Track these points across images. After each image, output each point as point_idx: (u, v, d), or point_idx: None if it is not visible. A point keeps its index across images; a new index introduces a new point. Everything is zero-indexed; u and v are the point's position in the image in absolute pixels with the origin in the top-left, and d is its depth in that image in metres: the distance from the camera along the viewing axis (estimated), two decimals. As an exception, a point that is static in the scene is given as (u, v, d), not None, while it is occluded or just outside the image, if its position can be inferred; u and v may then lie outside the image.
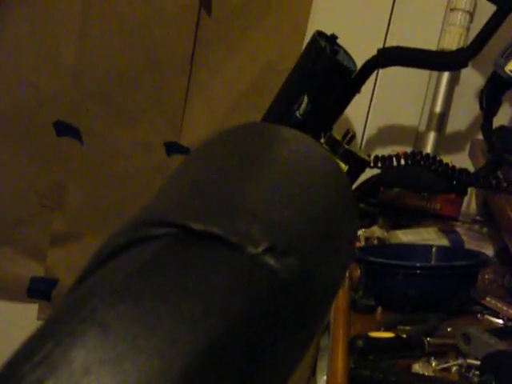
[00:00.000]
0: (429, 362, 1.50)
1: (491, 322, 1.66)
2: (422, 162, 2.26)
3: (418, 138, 2.66)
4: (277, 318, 0.66)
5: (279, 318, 0.66)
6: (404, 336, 1.55)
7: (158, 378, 0.53)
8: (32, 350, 0.54)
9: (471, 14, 2.56)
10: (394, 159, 2.23)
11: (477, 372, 1.49)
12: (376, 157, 2.22)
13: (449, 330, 1.60)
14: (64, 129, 2.79)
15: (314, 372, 2.66)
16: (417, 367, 1.48)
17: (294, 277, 0.66)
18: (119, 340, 0.54)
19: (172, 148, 2.75)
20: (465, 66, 2.21)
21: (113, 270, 0.62)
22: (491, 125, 2.24)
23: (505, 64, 2.03)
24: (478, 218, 2.29)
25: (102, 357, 0.53)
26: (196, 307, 0.59)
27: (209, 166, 0.83)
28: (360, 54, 2.13)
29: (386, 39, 2.68)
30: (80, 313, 0.56)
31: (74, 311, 0.57)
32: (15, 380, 0.51)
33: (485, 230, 2.11)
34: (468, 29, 2.54)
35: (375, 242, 1.93)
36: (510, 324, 1.64)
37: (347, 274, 1.76)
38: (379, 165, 2.20)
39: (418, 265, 1.76)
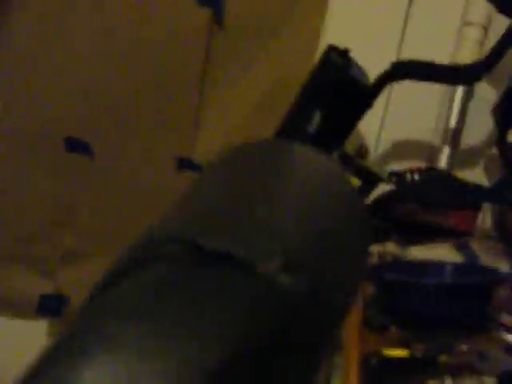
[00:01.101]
0: (444, 381, 1.49)
1: (507, 339, 1.65)
2: (436, 178, 2.26)
3: (433, 153, 2.66)
4: (287, 338, 0.65)
5: (289, 339, 0.66)
6: (418, 354, 1.54)
7: None
8: (44, 372, 0.54)
9: (486, 28, 2.56)
10: (409, 174, 2.23)
11: (492, 391, 1.49)
12: (390, 172, 2.22)
13: (464, 348, 1.59)
14: (74, 144, 2.79)
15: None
16: (433, 385, 1.48)
17: (305, 296, 0.66)
18: (132, 361, 0.54)
19: (183, 164, 2.75)
20: (479, 80, 2.21)
21: (126, 288, 0.63)
22: (506, 140, 2.24)
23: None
24: (493, 234, 2.28)
25: (115, 378, 0.53)
26: (208, 329, 0.59)
27: (222, 185, 0.82)
28: (373, 68, 2.13)
29: (399, 52, 2.67)
30: (93, 332, 0.56)
31: (87, 331, 0.57)
32: None
33: (500, 246, 2.10)
34: (483, 43, 2.54)
35: (389, 258, 1.92)
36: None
37: (360, 291, 1.75)
38: (393, 180, 2.20)
39: (432, 282, 1.76)
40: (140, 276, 0.64)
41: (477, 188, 2.20)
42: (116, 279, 0.65)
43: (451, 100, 2.61)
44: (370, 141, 2.66)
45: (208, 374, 0.55)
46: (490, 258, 1.98)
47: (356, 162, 2.12)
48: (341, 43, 2.11)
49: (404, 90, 2.33)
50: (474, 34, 2.59)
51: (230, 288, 0.62)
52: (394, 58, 2.42)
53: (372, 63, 2.14)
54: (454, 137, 2.60)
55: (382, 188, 2.17)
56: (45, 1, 2.75)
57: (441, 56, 2.50)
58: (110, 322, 0.58)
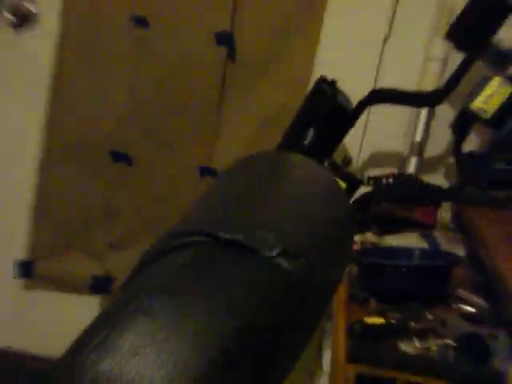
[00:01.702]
0: (413, 342, 1.49)
1: (463, 309, 1.65)
2: (405, 181, 2.27)
3: (402, 161, 2.65)
4: (289, 309, 0.68)
5: (291, 309, 0.68)
6: (392, 321, 1.55)
7: (193, 358, 0.55)
8: (90, 337, 0.56)
9: (445, 61, 2.56)
10: (384, 179, 2.24)
11: (452, 350, 1.49)
12: (369, 177, 2.23)
13: (429, 316, 1.60)
14: (118, 156, 2.79)
15: (320, 349, 2.67)
16: (402, 347, 1.48)
17: (302, 276, 0.67)
18: (162, 327, 0.56)
19: (204, 171, 2.75)
20: (440, 103, 2.21)
21: (157, 270, 0.66)
22: (461, 150, 2.24)
23: (471, 102, 2.03)
24: (451, 225, 2.28)
25: (147, 341, 0.55)
26: (223, 302, 0.61)
27: (233, 187, 0.84)
28: (355, 94, 2.13)
29: (375, 82, 2.67)
30: (130, 305, 0.59)
31: (125, 304, 0.59)
32: (76, 362, 0.54)
33: (457, 235, 2.10)
34: (443, 73, 2.54)
35: (368, 245, 1.93)
36: (477, 311, 1.64)
37: (346, 272, 1.76)
38: (371, 183, 2.21)
39: (403, 264, 1.77)
40: (169, 260, 0.66)
41: (437, 189, 2.21)
42: (149, 263, 0.68)
43: (417, 119, 2.61)
44: (353, 152, 2.66)
45: (226, 339, 0.58)
46: (449, 245, 1.99)
47: (342, 169, 2.13)
48: (329, 74, 2.12)
49: (379, 112, 2.32)
50: (434, 66, 2.59)
51: (241, 269, 0.64)
52: (371, 86, 2.41)
53: (354, 91, 2.14)
54: (419, 148, 2.59)
55: (363, 189, 2.17)
56: (95, 33, 2.76)
57: (409, 84, 2.50)
58: (143, 297, 0.60)
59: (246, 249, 0.65)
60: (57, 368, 0.56)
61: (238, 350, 0.59)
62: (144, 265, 0.68)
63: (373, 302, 1.64)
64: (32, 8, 2.71)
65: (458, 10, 2.03)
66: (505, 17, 1.99)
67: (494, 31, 1.99)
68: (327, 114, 2.06)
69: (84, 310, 2.85)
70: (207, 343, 0.57)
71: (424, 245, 1.95)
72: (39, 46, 2.80)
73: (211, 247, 0.66)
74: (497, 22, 1.99)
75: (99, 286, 2.87)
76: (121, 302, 0.61)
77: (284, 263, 0.65)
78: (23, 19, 2.74)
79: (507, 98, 2.01)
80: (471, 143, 2.45)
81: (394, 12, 2.69)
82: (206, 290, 0.61)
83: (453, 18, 2.08)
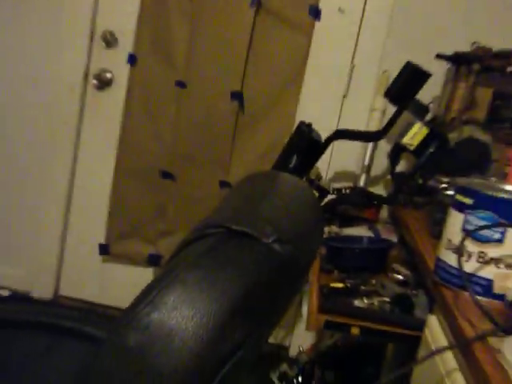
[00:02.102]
0: (362, 299, 1.49)
1: (396, 277, 1.65)
2: (358, 191, 2.28)
3: (356, 178, 2.64)
4: (283, 277, 0.73)
5: (284, 277, 0.73)
6: (348, 285, 1.55)
7: (215, 312, 0.58)
8: (145, 296, 0.59)
9: (384, 111, 2.55)
10: (343, 189, 2.25)
11: (388, 304, 1.49)
12: (333, 188, 2.24)
13: (373, 282, 1.60)
14: (165, 174, 2.80)
15: (300, 303, 2.66)
16: (355, 302, 1.49)
17: (291, 256, 0.71)
18: (192, 291, 0.60)
19: (223, 184, 2.75)
20: (380, 139, 2.21)
21: (189, 252, 0.68)
22: (394, 171, 2.25)
23: (401, 138, 2.03)
24: (388, 221, 2.28)
25: (183, 300, 0.58)
26: (234, 272, 0.64)
27: (242, 194, 0.88)
28: (324, 133, 2.13)
29: (338, 125, 2.66)
30: (171, 275, 0.62)
31: (168, 274, 0.62)
32: (134, 313, 0.57)
33: (392, 227, 2.10)
34: (382, 119, 2.54)
35: (333, 234, 1.93)
36: (405, 279, 1.64)
37: (318, 252, 1.76)
38: (335, 193, 2.21)
39: (356, 247, 1.77)
40: (197, 245, 0.68)
41: (379, 197, 2.22)
42: (184, 246, 0.70)
43: (366, 149, 2.60)
44: (323, 171, 2.65)
45: (238, 299, 0.61)
46: (386, 234, 1.99)
47: (316, 183, 2.14)
48: (306, 120, 2.12)
49: (341, 144, 2.31)
50: (377, 114, 2.58)
51: (245, 253, 0.67)
52: (335, 128, 2.40)
53: (323, 131, 2.14)
54: (367, 169, 2.58)
55: (330, 197, 2.17)
56: (151, 92, 2.76)
57: (360, 126, 2.50)
58: (180, 270, 0.63)
59: (250, 237, 0.68)
60: (123, 316, 0.58)
61: (245, 307, 0.62)
62: (181, 248, 0.70)
63: (336, 273, 1.65)
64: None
65: (392, 78, 2.03)
66: (424, 83, 1.99)
67: (415, 92, 1.99)
68: (305, 146, 2.07)
69: (142, 277, 2.87)
70: (224, 302, 0.59)
71: (370, 234, 1.95)
72: (114, 104, 2.81)
73: (226, 236, 0.69)
74: (418, 87, 1.98)
75: (153, 261, 2.88)
76: (165, 273, 0.63)
77: (277, 247, 0.69)
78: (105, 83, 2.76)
79: (424, 137, 2.02)
80: (402, 166, 2.45)
81: (350, 78, 2.68)
82: (222, 265, 0.64)
83: (389, 83, 2.08)
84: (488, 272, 1.16)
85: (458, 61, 2.32)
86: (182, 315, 0.55)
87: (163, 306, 0.56)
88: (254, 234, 0.67)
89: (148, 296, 0.58)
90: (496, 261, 1.15)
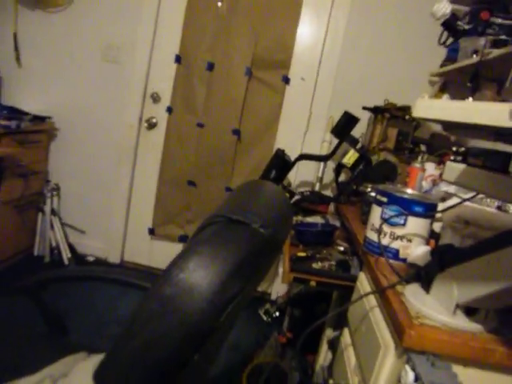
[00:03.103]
0: (317, 263, 1.48)
1: (339, 249, 1.63)
2: (315, 193, 2.26)
3: (313, 185, 2.64)
4: (265, 251, 0.70)
5: (266, 250, 0.70)
6: (309, 254, 1.54)
7: (220, 272, 0.58)
8: (175, 262, 0.59)
9: (330, 142, 2.54)
10: (306, 192, 2.24)
11: (334, 267, 1.47)
12: (299, 191, 2.23)
13: (324, 252, 1.58)
14: (190, 183, 2.79)
15: (277, 266, 2.64)
16: (314, 265, 1.47)
17: (271, 236, 0.69)
18: (206, 260, 0.59)
19: (227, 189, 2.74)
20: (329, 160, 2.20)
21: (203, 233, 0.65)
22: (338, 180, 2.23)
23: (342, 159, 2.02)
24: (334, 212, 2.26)
25: (200, 265, 0.59)
26: (233, 247, 0.61)
27: (240, 194, 0.85)
28: (293, 155, 2.11)
29: (301, 150, 2.66)
30: (191, 249, 0.60)
31: (189, 248, 0.61)
32: (168, 273, 0.57)
33: (336, 216, 2.08)
34: (330, 144, 2.53)
35: (299, 221, 1.91)
36: (345, 250, 1.62)
37: (290, 233, 1.74)
38: (300, 194, 2.20)
39: (314, 229, 1.75)
40: (208, 229, 0.66)
41: (328, 197, 2.21)
42: (200, 230, 0.68)
43: (319, 166, 2.59)
44: (292, 180, 2.64)
45: (235, 264, 0.59)
46: (333, 221, 1.97)
47: (287, 188, 2.13)
48: (281, 147, 2.11)
49: (303, 163, 2.30)
50: (326, 144, 2.57)
51: (240, 234, 0.65)
52: (299, 152, 2.39)
53: (292, 154, 2.13)
54: (320, 179, 2.57)
55: (296, 197, 2.15)
56: (179, 131, 2.76)
57: (315, 151, 2.49)
58: (197, 245, 0.61)
59: (244, 223, 0.66)
60: (161, 275, 0.58)
61: (240, 270, 0.61)
62: (198, 231, 0.69)
63: (300, 246, 1.63)
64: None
65: (336, 120, 2.03)
66: (355, 124, 1.99)
67: (350, 130, 1.99)
68: (280, 164, 2.05)
69: (175, 250, 2.84)
70: (226, 267, 0.59)
71: (322, 221, 1.94)
72: (158, 138, 2.79)
73: (227, 223, 0.67)
74: (351, 127, 1.99)
75: (182, 239, 2.87)
76: (188, 248, 0.61)
77: (262, 230, 0.67)
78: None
79: (356, 159, 2.01)
80: (342, 177, 2.44)
81: (309, 121, 2.68)
82: (225, 242, 0.62)
83: (333, 124, 2.08)
84: (396, 244, 1.16)
85: (376, 111, 2.34)
86: (199, 275, 0.56)
87: (186, 269, 0.56)
88: (246, 221, 0.66)
89: (177, 263, 0.58)
90: (401, 237, 1.15)
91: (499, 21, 1.48)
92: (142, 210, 2.92)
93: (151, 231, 2.92)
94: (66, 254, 2.84)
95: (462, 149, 0.84)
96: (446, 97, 2.31)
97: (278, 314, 2.57)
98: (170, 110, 2.76)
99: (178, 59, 2.69)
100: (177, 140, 2.78)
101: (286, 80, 2.67)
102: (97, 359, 0.60)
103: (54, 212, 2.85)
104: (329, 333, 1.73)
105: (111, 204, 2.92)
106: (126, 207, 2.92)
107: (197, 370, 0.62)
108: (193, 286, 0.55)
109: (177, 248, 2.89)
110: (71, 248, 2.91)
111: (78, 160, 2.89)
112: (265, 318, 2.58)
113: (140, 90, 2.75)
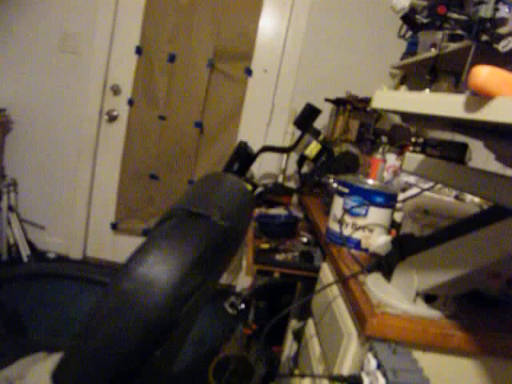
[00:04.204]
0: (281, 254, 1.48)
1: (302, 239, 1.64)
2: (278, 185, 2.26)
3: (276, 176, 2.64)
4: (226, 243, 0.69)
5: (227, 242, 0.69)
6: (272, 246, 1.53)
7: (180, 266, 0.58)
8: (134, 256, 0.58)
9: (293, 134, 2.55)
10: (269, 184, 2.24)
11: (297, 257, 1.48)
12: (262, 184, 2.22)
13: (288, 243, 1.58)
14: (153, 176, 2.75)
15: (241, 260, 2.63)
16: (277, 256, 1.47)
17: (231, 228, 0.69)
18: (164, 254, 0.58)
19: (190, 182, 2.73)
20: (291, 151, 2.21)
21: (162, 227, 0.64)
22: (300, 172, 2.24)
23: (305, 150, 2.03)
24: (296, 203, 2.27)
25: (159, 259, 0.56)
26: (193, 240, 0.60)
27: (200, 186, 0.83)
28: (256, 147, 2.11)
29: (264, 142, 2.66)
30: (151, 243, 0.60)
31: (149, 242, 0.60)
32: (127, 268, 0.56)
33: (299, 207, 2.09)
34: (293, 136, 2.54)
35: (262, 212, 1.91)
36: (308, 241, 1.63)
37: (252, 225, 1.73)
38: (263, 186, 2.20)
39: (277, 220, 1.74)
40: (167, 223, 0.65)
41: (291, 188, 2.21)
42: (159, 224, 0.67)
43: (282, 158, 2.59)
44: (255, 172, 2.64)
45: (194, 257, 0.58)
46: (296, 212, 1.98)
47: (250, 180, 2.11)
48: (244, 139, 2.10)
49: (266, 155, 2.30)
50: (288, 136, 2.58)
51: (200, 226, 0.64)
52: (262, 144, 2.39)
53: (255, 145, 2.12)
54: (283, 171, 2.58)
55: (260, 189, 2.15)
56: (143, 124, 2.71)
57: (278, 143, 2.49)
58: (156, 239, 0.60)
59: (203, 216, 0.65)
60: (120, 270, 0.57)
61: (200, 263, 0.59)
62: (158, 224, 0.67)
63: (264, 238, 1.62)
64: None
65: (298, 113, 2.04)
66: (317, 116, 2.00)
67: (312, 122, 2.00)
68: (243, 156, 2.05)
69: (139, 244, 2.80)
70: (186, 260, 0.58)
71: (285, 212, 1.94)
72: (119, 132, 2.74)
73: (187, 216, 0.65)
74: (314, 118, 2.00)
75: (145, 233, 2.84)
76: (148, 240, 0.61)
77: (222, 222, 0.66)
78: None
79: (319, 150, 2.02)
80: (305, 169, 2.46)
81: (271, 113, 2.68)
82: (184, 236, 0.61)
83: (296, 116, 2.08)
84: (358, 235, 1.17)
85: (338, 103, 2.36)
86: (159, 269, 0.55)
87: (146, 263, 0.55)
88: (206, 214, 0.65)
89: (136, 257, 0.56)
90: (362, 227, 1.16)
91: (455, 16, 1.51)
92: (104, 204, 2.87)
93: (114, 226, 2.86)
94: (24, 252, 2.75)
95: (421, 140, 0.85)
96: (404, 88, 2.35)
97: (243, 306, 2.58)
98: (131, 102, 2.70)
99: (138, 50, 2.64)
100: (138, 133, 2.73)
101: (249, 72, 2.66)
102: (56, 359, 0.58)
103: (11, 208, 2.75)
104: (294, 324, 1.74)
105: (72, 199, 2.85)
106: (87, 202, 2.85)
107: (158, 366, 0.61)
108: (152, 281, 0.53)
109: (140, 242, 2.83)
110: (30, 245, 2.83)
111: (36, 154, 2.80)
112: (230, 310, 2.58)
113: (100, 82, 2.68)
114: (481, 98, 0.53)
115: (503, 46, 1.26)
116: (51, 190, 2.85)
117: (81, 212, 2.86)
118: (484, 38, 1.45)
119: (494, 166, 0.70)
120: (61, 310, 2.28)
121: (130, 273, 0.54)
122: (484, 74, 0.51)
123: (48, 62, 2.68)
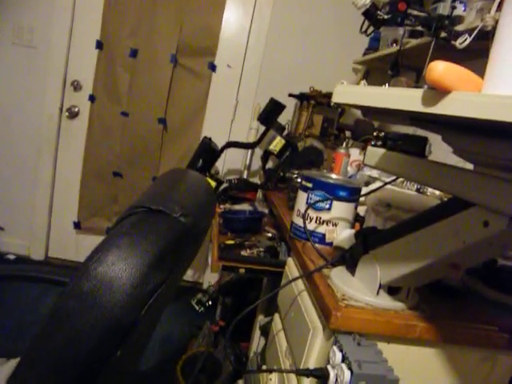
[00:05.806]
0: (246, 250, 1.47)
1: (267, 235, 1.64)
2: (243, 181, 2.26)
3: (241, 172, 2.64)
4: (187, 240, 0.68)
5: (188, 239, 0.68)
6: (237, 242, 1.52)
7: (140, 264, 0.56)
8: (93, 255, 0.56)
9: (257, 129, 2.55)
10: (233, 180, 2.23)
11: (263, 253, 1.47)
12: (227, 179, 2.21)
13: (253, 239, 1.58)
14: (116, 173, 2.71)
15: (207, 257, 2.62)
16: (243, 252, 1.46)
17: (192, 225, 0.68)
18: (125, 252, 0.56)
19: (154, 179, 2.69)
20: (256, 147, 2.21)
21: (122, 225, 0.63)
22: (265, 167, 2.24)
23: (269, 145, 2.03)
24: (262, 199, 2.27)
25: (119, 257, 0.55)
26: (153, 238, 0.59)
27: (161, 183, 0.82)
28: (220, 143, 2.10)
29: (229, 138, 2.65)
30: (111, 240, 0.58)
31: (109, 240, 0.59)
32: (86, 267, 0.55)
33: (265, 203, 2.09)
34: (257, 131, 2.54)
35: (227, 209, 1.90)
36: (273, 236, 1.63)
37: (217, 221, 1.72)
38: (228, 182, 2.19)
39: (242, 216, 1.74)
40: (127, 220, 0.63)
41: (256, 184, 2.21)
42: (120, 221, 0.65)
43: (247, 154, 2.59)
44: (220, 168, 2.63)
45: (155, 255, 0.57)
46: (261, 208, 1.98)
47: (215, 176, 2.10)
48: (208, 135, 2.09)
49: (230, 151, 2.30)
50: (253, 131, 2.58)
51: (160, 224, 0.63)
52: (226, 140, 2.38)
53: (219, 142, 2.11)
54: (248, 167, 2.59)
55: (224, 185, 2.15)
56: (105, 119, 2.66)
57: (242, 139, 2.49)
58: (116, 237, 0.58)
59: (164, 213, 0.64)
60: (79, 269, 0.55)
61: (161, 260, 0.59)
62: (118, 222, 0.66)
63: (229, 234, 1.61)
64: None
65: (261, 108, 2.04)
66: (281, 111, 2.01)
67: (276, 117, 2.00)
68: (207, 152, 2.03)
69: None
70: (146, 258, 0.57)
71: (250, 208, 1.94)
72: (80, 128, 2.67)
73: (147, 213, 0.64)
74: (278, 114, 2.00)
75: (108, 231, 2.79)
76: (108, 239, 0.59)
77: (182, 219, 0.65)
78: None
79: (283, 145, 2.03)
80: (269, 164, 2.46)
81: (235, 109, 2.67)
82: (144, 233, 0.59)
83: (260, 111, 2.08)
84: (322, 229, 1.18)
85: (302, 98, 2.37)
86: (119, 268, 0.53)
87: (105, 262, 0.54)
88: (167, 211, 0.64)
89: (95, 256, 0.55)
90: (326, 222, 1.17)
91: (415, 12, 1.54)
92: (67, 203, 2.80)
93: (77, 225, 2.80)
94: (-18, 253, 2.67)
95: (382, 134, 0.87)
96: (363, 83, 2.39)
97: (210, 303, 2.57)
98: (92, 98, 2.65)
99: (99, 45, 2.58)
100: (100, 130, 2.68)
101: (213, 67, 2.64)
102: (14, 364, 0.57)
103: (-33, 208, 2.66)
104: (261, 319, 1.74)
105: (32, 198, 2.77)
106: (48, 201, 2.78)
107: (122, 366, 0.60)
108: (112, 280, 0.52)
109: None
110: (-12, 246, 2.74)
111: (-7, 152, 2.72)
112: (197, 307, 2.57)
113: (59, 77, 2.61)
114: (437, 92, 0.54)
115: (460, 43, 1.29)
116: (10, 189, 2.77)
117: (42, 211, 2.79)
118: (442, 34, 1.49)
119: (453, 159, 0.72)
120: (21, 314, 2.22)
121: (88, 272, 0.53)
122: (440, 69, 0.52)
123: (0, 56, 2.59)
